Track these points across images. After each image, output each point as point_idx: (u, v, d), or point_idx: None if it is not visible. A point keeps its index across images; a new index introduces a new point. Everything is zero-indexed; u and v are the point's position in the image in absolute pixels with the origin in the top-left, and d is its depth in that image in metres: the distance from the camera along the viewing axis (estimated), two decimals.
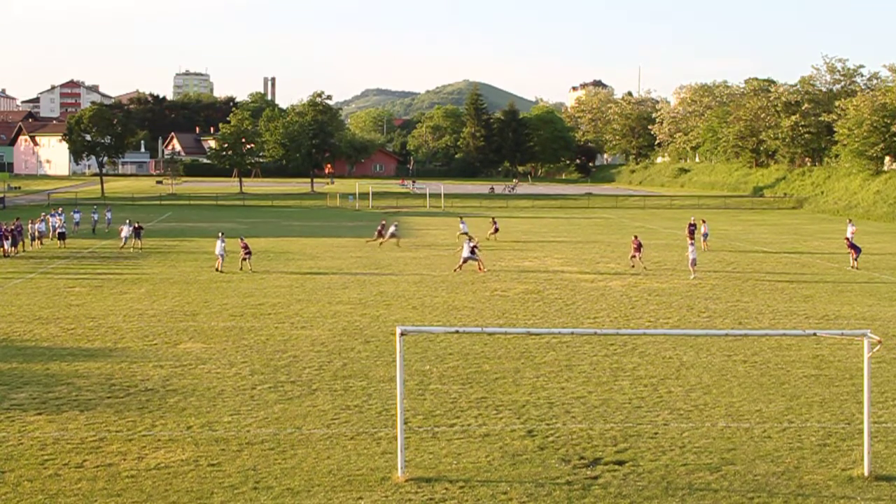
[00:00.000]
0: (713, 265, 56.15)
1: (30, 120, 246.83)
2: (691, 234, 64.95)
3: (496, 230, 71.51)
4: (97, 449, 20.95)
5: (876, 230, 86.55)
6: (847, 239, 59.74)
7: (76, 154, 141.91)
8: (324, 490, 18.52)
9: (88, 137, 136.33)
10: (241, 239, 55.43)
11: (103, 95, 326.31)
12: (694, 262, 51.41)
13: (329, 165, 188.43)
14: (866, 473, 19.36)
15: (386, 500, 18.09)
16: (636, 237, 55.83)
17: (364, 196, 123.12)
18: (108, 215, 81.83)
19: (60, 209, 75.28)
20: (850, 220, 71.50)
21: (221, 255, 52.98)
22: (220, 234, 55.08)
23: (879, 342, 19.65)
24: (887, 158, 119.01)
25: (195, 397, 25.30)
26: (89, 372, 28.08)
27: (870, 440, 19.69)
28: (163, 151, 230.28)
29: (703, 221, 68.77)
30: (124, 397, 25.23)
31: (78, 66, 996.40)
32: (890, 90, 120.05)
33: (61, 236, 66.43)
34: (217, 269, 52.50)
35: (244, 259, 53.46)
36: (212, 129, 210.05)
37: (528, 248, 66.88)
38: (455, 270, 52.02)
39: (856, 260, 54.90)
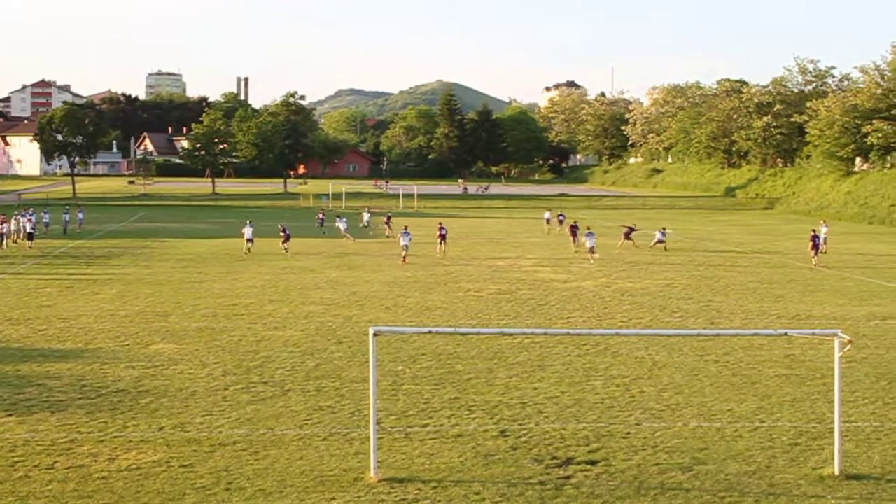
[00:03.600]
0: (685, 266, 56.41)
1: (0, 119, 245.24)
2: (560, 221, 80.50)
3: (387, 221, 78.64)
4: (68, 450, 20.83)
5: (847, 230, 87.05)
6: (822, 237, 60.26)
7: (47, 154, 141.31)
8: (296, 491, 18.47)
9: (60, 137, 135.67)
10: (281, 225, 65.70)
11: (75, 95, 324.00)
12: (592, 249, 58.85)
13: (302, 165, 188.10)
14: (837, 472, 19.45)
15: (359, 500, 18.06)
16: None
17: (337, 196, 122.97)
18: (80, 216, 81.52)
19: (31, 209, 74.94)
20: (824, 221, 72.02)
21: (250, 240, 61.85)
22: (248, 221, 65.15)
23: (850, 342, 19.75)
24: (858, 159, 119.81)
25: (167, 398, 25.19)
26: (60, 373, 27.92)
27: (840, 439, 19.79)
28: (135, 151, 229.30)
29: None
30: (96, 398, 25.09)
31: (49, 65, 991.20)
32: (861, 91, 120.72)
33: (29, 237, 66.10)
34: (246, 252, 61.21)
35: (284, 242, 62.20)
36: (184, 129, 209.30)
37: (502, 248, 66.95)
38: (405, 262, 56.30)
39: (816, 257, 56.50)
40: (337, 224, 74.31)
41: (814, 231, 59.75)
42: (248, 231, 62.56)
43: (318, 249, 64.73)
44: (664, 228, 67.66)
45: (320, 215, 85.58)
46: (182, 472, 19.47)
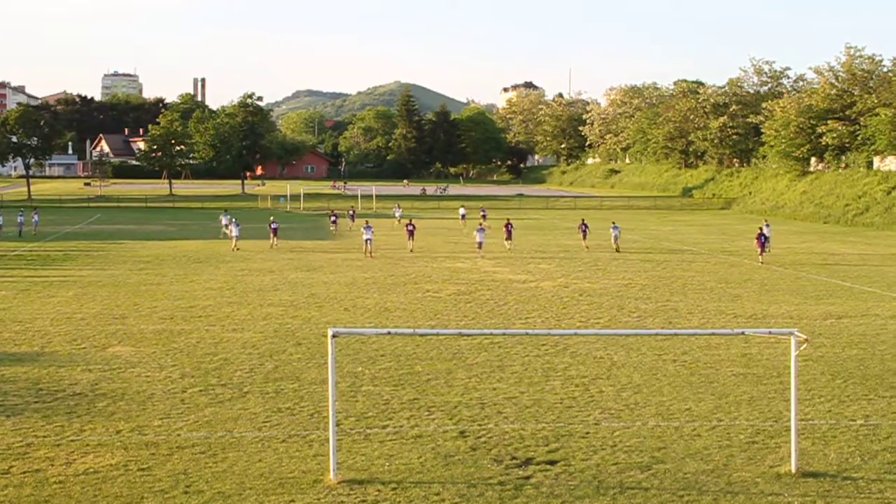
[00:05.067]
0: (643, 265, 56.67)
1: None
2: (483, 217, 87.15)
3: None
4: (24, 455, 20.63)
5: (802, 230, 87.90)
6: (765, 237, 61.20)
7: (2, 156, 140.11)
8: (255, 493, 18.39)
9: (14, 139, 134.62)
10: (271, 217, 71.86)
11: (30, 96, 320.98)
12: (480, 245, 62.15)
13: (260, 167, 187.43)
14: (793, 470, 19.59)
15: (318, 502, 18.00)
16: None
17: (295, 197, 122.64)
18: (35, 218, 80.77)
19: None
20: (766, 221, 72.87)
21: (236, 236, 65.08)
22: (233, 220, 69.33)
23: (806, 340, 19.89)
24: (813, 159, 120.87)
25: (124, 401, 25.00)
26: (16, 377, 27.66)
27: (797, 437, 19.93)
28: (91, 153, 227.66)
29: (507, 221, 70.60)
30: (52, 402, 24.87)
31: (3, 66, 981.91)
32: (815, 92, 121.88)
33: None
34: (234, 249, 63.96)
35: (274, 236, 67.26)
36: (141, 130, 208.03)
37: (460, 248, 66.96)
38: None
39: (762, 254, 58.39)
40: (221, 218, 76.92)
41: (760, 230, 60.81)
42: (234, 229, 65.80)
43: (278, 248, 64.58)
44: (615, 223, 68.75)
45: (333, 216, 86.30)
46: (140, 476, 19.34)
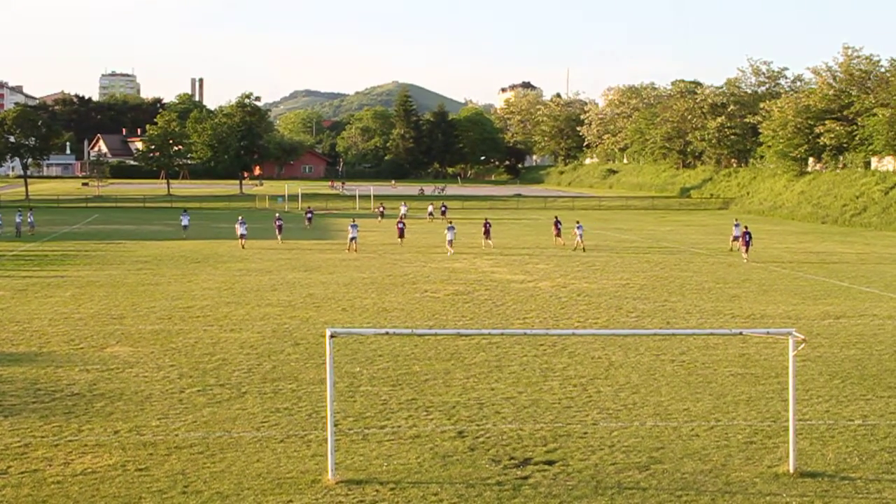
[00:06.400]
0: (641, 266, 56.67)
1: None
2: (443, 213, 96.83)
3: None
4: (22, 455, 20.62)
5: (800, 230, 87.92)
6: (739, 237, 61.82)
7: None
8: (253, 493, 18.39)
9: (12, 139, 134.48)
10: (277, 216, 74.30)
11: (27, 96, 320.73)
12: (451, 242, 63.23)
13: (258, 167, 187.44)
14: (791, 470, 19.60)
15: (316, 502, 18.00)
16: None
17: (293, 197, 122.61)
18: (31, 218, 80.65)
19: None
20: (737, 220, 73.13)
21: (244, 236, 66.67)
22: (239, 218, 70.40)
23: (804, 341, 19.88)
24: (811, 160, 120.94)
25: (122, 401, 24.99)
26: (14, 377, 27.64)
27: (795, 437, 19.94)
28: (89, 153, 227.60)
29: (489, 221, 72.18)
30: (50, 402, 24.85)
31: (1, 66, 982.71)
32: (813, 92, 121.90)
33: None
34: (242, 247, 65.51)
35: (279, 232, 70.54)
36: (139, 130, 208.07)
37: (458, 249, 66.96)
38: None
39: (746, 252, 59.66)
40: (181, 218, 78.97)
41: (746, 228, 61.43)
42: (241, 228, 67.14)
43: (276, 248, 64.55)
44: (579, 222, 70.68)
45: (308, 214, 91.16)
46: (138, 476, 19.33)
